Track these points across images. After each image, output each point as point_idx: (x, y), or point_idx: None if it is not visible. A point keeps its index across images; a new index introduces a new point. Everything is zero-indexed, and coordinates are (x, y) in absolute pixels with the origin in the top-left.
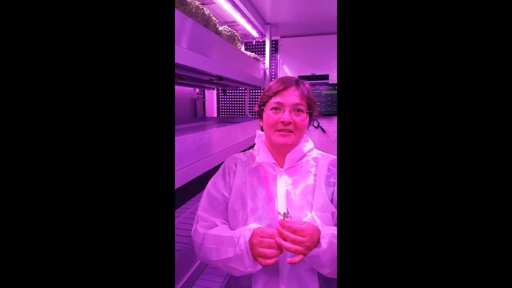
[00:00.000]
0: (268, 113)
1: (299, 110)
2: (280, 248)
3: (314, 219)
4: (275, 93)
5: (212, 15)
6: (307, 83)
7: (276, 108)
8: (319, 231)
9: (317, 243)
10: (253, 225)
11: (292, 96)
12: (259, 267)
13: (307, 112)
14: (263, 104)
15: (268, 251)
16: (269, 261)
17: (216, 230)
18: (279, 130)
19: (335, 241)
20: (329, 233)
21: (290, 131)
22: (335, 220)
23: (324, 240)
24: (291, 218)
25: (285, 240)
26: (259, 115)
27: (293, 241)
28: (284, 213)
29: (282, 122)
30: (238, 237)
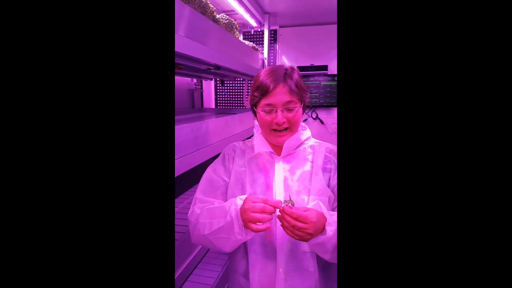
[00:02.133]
0: (260, 113)
1: (290, 109)
2: (272, 214)
3: (320, 206)
4: (264, 94)
5: (209, 2)
6: (296, 72)
7: (268, 110)
8: (324, 218)
9: (321, 230)
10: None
11: (281, 95)
12: (250, 235)
13: (299, 106)
14: (254, 105)
15: (260, 215)
16: (261, 227)
17: (211, 206)
18: (274, 130)
19: None
20: (335, 220)
21: (286, 129)
22: (332, 205)
23: (330, 227)
24: (293, 205)
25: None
26: (252, 110)
27: (294, 227)
28: (285, 200)
29: (276, 123)
30: (229, 206)
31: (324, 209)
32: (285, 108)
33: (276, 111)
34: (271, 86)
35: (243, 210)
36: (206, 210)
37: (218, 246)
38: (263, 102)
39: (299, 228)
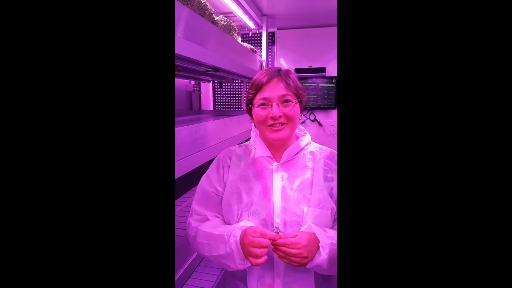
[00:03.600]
0: (256, 110)
1: (286, 101)
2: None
3: (311, 227)
4: (259, 88)
5: (208, 4)
6: (292, 73)
7: (263, 104)
8: (317, 240)
9: (316, 250)
10: (244, 223)
11: (277, 88)
12: (249, 264)
13: (295, 101)
14: (250, 102)
15: (259, 250)
16: (259, 261)
17: (207, 226)
18: (270, 125)
19: (335, 247)
20: (327, 242)
21: (283, 124)
22: (334, 217)
23: (324, 250)
24: (278, 233)
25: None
26: (249, 113)
27: (288, 255)
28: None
29: (271, 117)
30: (228, 236)
31: (316, 230)
32: (280, 101)
33: (272, 106)
34: (265, 80)
35: (243, 245)
36: (204, 232)
37: (219, 266)
38: (258, 97)
39: (294, 255)
